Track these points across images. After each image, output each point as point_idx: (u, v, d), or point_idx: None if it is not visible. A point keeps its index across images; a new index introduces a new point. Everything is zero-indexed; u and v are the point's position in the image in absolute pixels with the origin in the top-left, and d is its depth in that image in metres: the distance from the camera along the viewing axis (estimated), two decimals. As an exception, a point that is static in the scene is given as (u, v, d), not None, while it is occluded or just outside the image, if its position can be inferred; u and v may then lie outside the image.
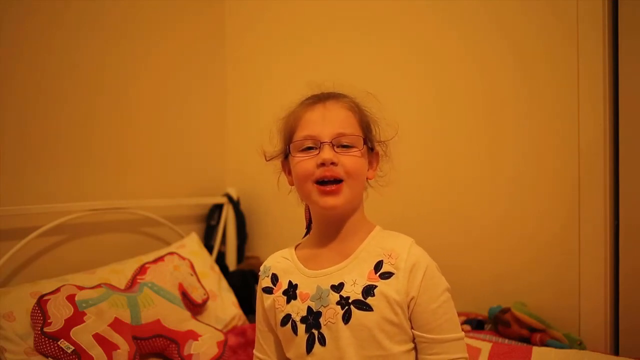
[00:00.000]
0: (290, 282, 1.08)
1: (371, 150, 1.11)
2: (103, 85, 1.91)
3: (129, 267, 1.70)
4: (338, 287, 1.02)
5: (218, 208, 2.29)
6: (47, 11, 1.74)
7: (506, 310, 1.59)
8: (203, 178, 2.30)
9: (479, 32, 1.77)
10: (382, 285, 1.00)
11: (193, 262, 1.80)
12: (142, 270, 1.65)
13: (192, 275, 1.74)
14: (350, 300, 1.00)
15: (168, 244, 2.04)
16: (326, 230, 1.09)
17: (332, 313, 1.01)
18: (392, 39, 1.96)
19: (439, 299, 1.01)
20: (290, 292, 1.07)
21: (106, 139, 1.92)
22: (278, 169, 1.17)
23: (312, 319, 1.03)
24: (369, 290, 1.00)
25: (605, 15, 1.56)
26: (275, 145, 1.14)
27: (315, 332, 1.02)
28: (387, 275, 1.01)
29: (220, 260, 2.20)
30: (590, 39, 1.58)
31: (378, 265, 1.02)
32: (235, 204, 2.27)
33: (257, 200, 2.31)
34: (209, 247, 2.20)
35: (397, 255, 1.02)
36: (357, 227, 1.08)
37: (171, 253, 1.78)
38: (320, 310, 1.02)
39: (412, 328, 1.02)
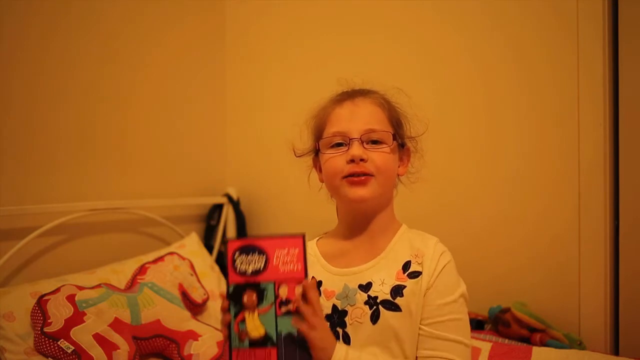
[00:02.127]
0: (313, 279, 1.07)
1: (402, 146, 1.10)
2: (103, 85, 1.91)
3: (129, 267, 1.70)
4: (366, 287, 1.02)
5: (218, 208, 2.29)
6: (47, 12, 1.74)
7: (506, 310, 1.59)
8: (203, 178, 2.30)
9: (478, 31, 1.77)
10: (410, 285, 1.00)
11: (193, 262, 1.80)
12: (142, 270, 1.65)
13: (192, 275, 1.74)
14: (378, 300, 1.00)
15: (168, 244, 2.04)
16: (354, 227, 1.08)
17: (359, 312, 1.00)
18: (391, 38, 1.95)
19: (449, 297, 1.00)
20: None
21: (106, 139, 1.92)
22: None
23: (337, 317, 1.02)
24: (397, 290, 1.00)
25: (605, 15, 1.56)
26: (305, 142, 1.14)
27: (340, 330, 1.02)
28: (415, 275, 1.01)
29: (220, 260, 2.20)
30: (590, 39, 1.57)
31: (406, 266, 1.03)
32: (235, 204, 2.27)
33: (257, 200, 2.31)
34: (209, 247, 2.20)
35: (422, 254, 1.03)
36: (386, 225, 1.08)
37: (171, 253, 1.78)
38: (346, 309, 1.02)
39: None
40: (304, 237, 0.95)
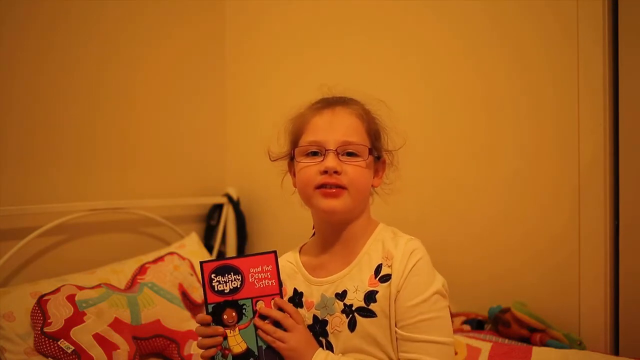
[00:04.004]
0: (295, 290, 1.08)
1: (378, 158, 1.10)
2: (104, 86, 1.91)
3: (129, 267, 1.71)
4: (342, 295, 1.02)
5: (218, 208, 2.29)
6: (49, 12, 1.74)
7: (506, 310, 1.59)
8: (203, 178, 2.30)
9: (477, 32, 1.77)
10: (382, 290, 1.00)
11: (193, 262, 1.80)
12: (142, 270, 1.65)
13: (192, 275, 1.74)
14: (353, 308, 1.00)
15: (168, 244, 2.04)
16: (328, 236, 1.09)
17: (338, 321, 1.01)
18: (391, 40, 1.95)
19: (419, 297, 0.98)
20: (296, 300, 1.07)
21: (106, 139, 1.92)
22: (282, 169, 1.17)
23: (319, 327, 1.03)
24: (370, 296, 1.00)
25: (605, 15, 1.56)
26: (282, 145, 1.14)
27: (323, 340, 1.03)
28: (386, 278, 1.01)
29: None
30: (590, 39, 1.57)
31: (378, 269, 1.02)
32: (235, 204, 2.27)
33: (257, 200, 2.31)
34: (209, 247, 2.20)
35: (392, 256, 1.02)
36: (360, 231, 1.07)
37: (171, 253, 1.78)
38: (326, 318, 1.03)
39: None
40: (275, 254, 1.01)
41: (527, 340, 1.53)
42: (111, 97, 1.94)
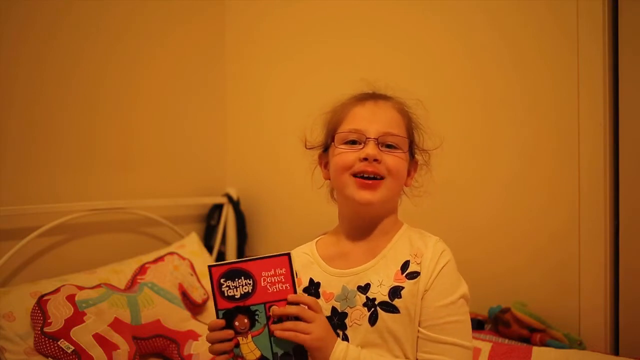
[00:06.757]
0: (311, 280, 1.06)
1: (411, 157, 1.10)
2: (104, 86, 1.91)
3: (129, 267, 1.71)
4: (364, 288, 1.01)
5: (218, 208, 2.29)
6: (49, 12, 1.74)
7: (506, 310, 1.59)
8: (203, 178, 2.30)
9: (476, 32, 1.77)
10: (409, 286, 0.99)
11: (193, 262, 1.80)
12: (142, 270, 1.65)
13: (192, 275, 1.74)
14: (376, 302, 0.99)
15: (168, 244, 2.04)
16: (356, 228, 1.07)
17: (358, 314, 1.00)
18: (388, 41, 1.95)
19: (447, 298, 0.98)
20: (312, 291, 1.05)
21: (107, 139, 1.92)
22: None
23: (337, 319, 1.02)
24: (395, 292, 0.99)
25: (605, 15, 1.56)
26: (315, 136, 1.13)
27: (340, 332, 1.01)
28: (413, 275, 1.00)
29: (221, 261, 2.20)
30: (590, 39, 1.57)
31: (405, 266, 1.01)
32: (235, 204, 2.27)
33: (257, 200, 2.31)
34: (209, 247, 2.20)
35: (422, 254, 1.01)
36: (388, 227, 1.07)
37: (171, 253, 1.78)
38: (346, 311, 1.01)
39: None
40: (289, 256, 0.95)
41: (527, 340, 1.53)
42: (111, 97, 1.94)
